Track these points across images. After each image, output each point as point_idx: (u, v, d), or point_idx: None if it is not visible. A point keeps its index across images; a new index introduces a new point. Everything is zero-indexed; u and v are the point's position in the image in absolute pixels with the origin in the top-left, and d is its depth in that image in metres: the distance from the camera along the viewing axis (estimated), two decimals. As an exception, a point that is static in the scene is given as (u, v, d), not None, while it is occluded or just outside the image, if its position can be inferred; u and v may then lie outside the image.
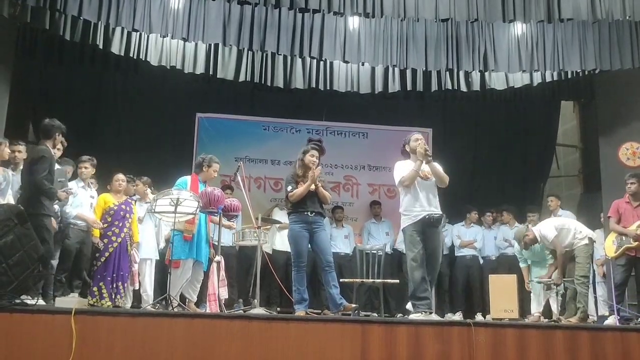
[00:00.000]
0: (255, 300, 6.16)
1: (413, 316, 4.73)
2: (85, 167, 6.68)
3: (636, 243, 6.33)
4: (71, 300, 5.24)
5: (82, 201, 6.59)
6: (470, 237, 8.97)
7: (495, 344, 3.96)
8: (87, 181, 6.75)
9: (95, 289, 6.28)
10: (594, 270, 7.10)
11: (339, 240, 8.86)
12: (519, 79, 8.94)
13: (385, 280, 6.65)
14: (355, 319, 4.32)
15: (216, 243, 6.19)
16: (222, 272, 6.65)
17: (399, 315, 7.88)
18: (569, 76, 8.80)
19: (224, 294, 6.64)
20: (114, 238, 6.49)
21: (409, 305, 5.16)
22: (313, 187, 5.60)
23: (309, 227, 5.58)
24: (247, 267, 8.02)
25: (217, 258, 6.54)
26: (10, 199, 5.82)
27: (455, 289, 8.91)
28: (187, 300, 6.23)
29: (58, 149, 5.68)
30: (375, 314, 8.07)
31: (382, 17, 7.49)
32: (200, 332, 3.60)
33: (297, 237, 5.58)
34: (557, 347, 3.97)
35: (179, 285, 5.96)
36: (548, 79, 8.92)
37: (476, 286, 8.78)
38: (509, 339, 3.95)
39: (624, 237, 6.46)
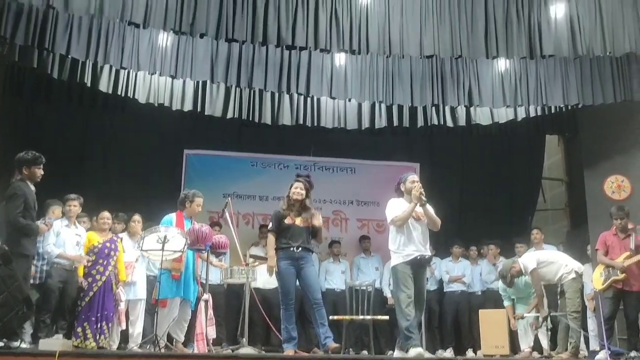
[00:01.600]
0: (244, 339, 6.07)
1: (413, 351, 4.73)
2: (74, 205, 6.59)
3: (623, 275, 6.34)
4: (55, 342, 5.11)
5: (65, 240, 6.46)
6: (459, 272, 8.93)
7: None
8: (74, 220, 6.66)
9: (79, 329, 6.16)
10: (585, 305, 7.07)
11: (335, 276, 8.80)
12: (504, 114, 9.05)
13: (375, 317, 6.57)
14: (344, 357, 4.24)
15: (204, 281, 6.11)
16: (210, 311, 6.56)
17: (390, 353, 7.77)
18: (553, 111, 8.93)
19: (212, 333, 6.53)
20: (98, 277, 6.40)
21: (396, 354, 5.13)
22: (301, 222, 5.55)
23: (295, 264, 5.52)
24: (236, 306, 7.91)
25: (205, 296, 6.47)
26: None
27: (444, 324, 8.83)
28: (174, 340, 6.12)
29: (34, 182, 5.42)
30: (366, 352, 7.95)
31: (367, 53, 7.58)
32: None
33: (284, 274, 5.51)
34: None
35: (165, 325, 5.86)
36: (532, 113, 9.03)
37: (465, 322, 8.71)
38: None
39: (611, 270, 6.46)
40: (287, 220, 5.64)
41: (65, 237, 6.47)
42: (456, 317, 8.81)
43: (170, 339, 6.08)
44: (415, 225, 5.34)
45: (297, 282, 5.58)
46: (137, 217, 7.20)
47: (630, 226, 6.70)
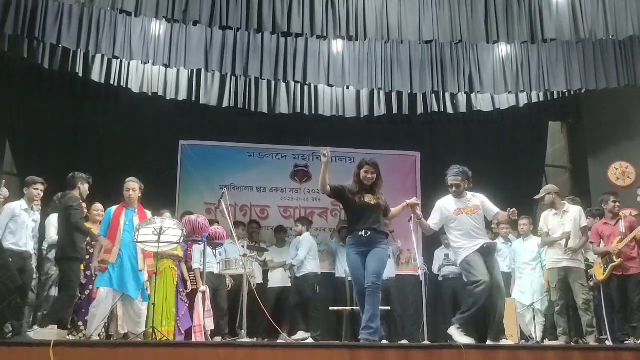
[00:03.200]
0: (243, 331, 6.13)
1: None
2: (40, 190, 6.38)
3: (619, 260, 6.41)
4: (50, 332, 5.18)
5: (22, 224, 6.24)
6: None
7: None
8: (35, 204, 6.44)
9: (80, 323, 6.23)
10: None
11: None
12: (505, 100, 9.09)
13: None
14: (343, 344, 4.31)
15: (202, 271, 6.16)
16: (208, 303, 6.63)
17: (404, 341, 7.84)
18: (556, 97, 8.97)
19: (210, 324, 6.61)
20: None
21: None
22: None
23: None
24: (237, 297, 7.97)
25: (202, 288, 6.53)
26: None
27: (444, 310, 8.87)
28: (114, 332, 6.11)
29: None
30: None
31: (365, 40, 7.62)
32: (184, 361, 3.58)
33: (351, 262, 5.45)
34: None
35: (98, 317, 5.82)
36: (534, 99, 9.07)
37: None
38: (502, 361, 3.95)
39: (608, 258, 6.54)
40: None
41: (22, 220, 6.26)
42: (455, 302, 8.82)
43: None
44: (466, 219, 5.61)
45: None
46: (167, 213, 7.20)
47: (635, 212, 6.78)
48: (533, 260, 7.46)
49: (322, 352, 3.74)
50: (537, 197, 6.97)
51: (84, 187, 5.94)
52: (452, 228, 5.58)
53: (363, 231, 5.10)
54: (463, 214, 5.55)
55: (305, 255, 8.37)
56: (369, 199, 5.20)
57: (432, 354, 3.88)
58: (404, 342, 7.69)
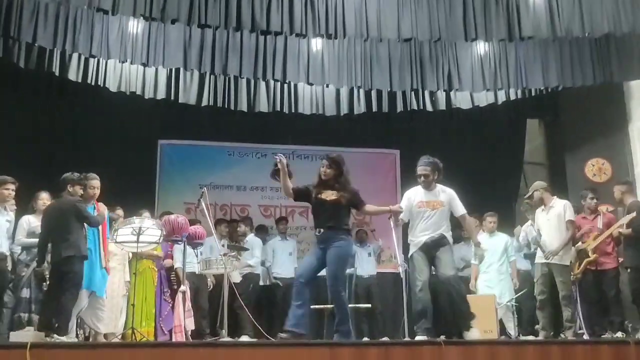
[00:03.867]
0: (224, 331, 6.13)
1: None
2: (12, 189, 6.20)
3: (594, 256, 6.51)
4: (26, 334, 5.13)
5: None
6: None
7: (468, 363, 4.01)
8: (8, 205, 6.28)
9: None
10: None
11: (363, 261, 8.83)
12: (484, 98, 9.18)
13: (357, 306, 6.66)
14: (323, 342, 4.33)
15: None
16: (188, 303, 6.61)
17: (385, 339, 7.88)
18: (533, 94, 9.07)
19: (190, 325, 6.59)
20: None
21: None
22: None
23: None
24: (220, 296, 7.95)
25: (183, 287, 6.51)
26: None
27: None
28: (92, 332, 6.06)
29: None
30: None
31: (344, 38, 7.64)
32: (164, 362, 3.57)
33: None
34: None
35: (72, 315, 5.73)
36: (512, 97, 9.18)
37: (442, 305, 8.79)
38: (480, 356, 4.00)
39: (583, 253, 6.62)
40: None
41: None
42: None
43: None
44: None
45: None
46: (119, 211, 7.14)
47: (611, 208, 6.88)
48: (500, 256, 7.52)
49: (303, 350, 3.76)
50: (526, 196, 6.99)
51: (75, 189, 5.78)
52: (413, 219, 5.50)
53: (317, 229, 5.07)
54: (426, 207, 5.46)
55: (262, 257, 8.44)
56: (326, 195, 5.10)
57: (412, 350, 3.91)
58: (385, 339, 7.73)
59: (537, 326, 6.66)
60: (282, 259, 8.69)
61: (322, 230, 5.03)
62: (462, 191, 10.32)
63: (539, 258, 6.60)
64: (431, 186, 5.54)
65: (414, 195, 5.56)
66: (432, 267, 5.46)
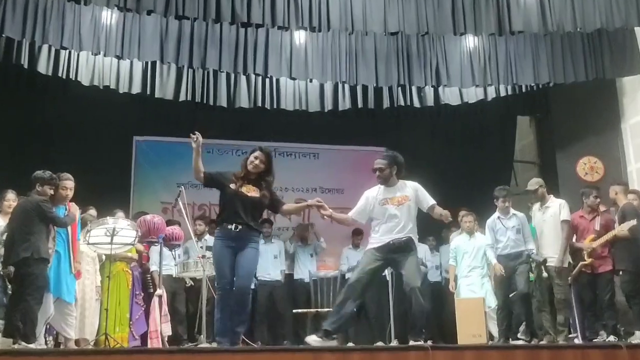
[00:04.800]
0: (202, 336, 6.12)
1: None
2: None
3: (590, 260, 6.56)
4: (-5, 341, 5.08)
5: None
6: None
7: (455, 368, 4.04)
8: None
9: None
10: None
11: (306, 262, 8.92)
12: (473, 94, 9.24)
13: (319, 310, 6.65)
14: (306, 347, 4.33)
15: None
16: (165, 307, 6.61)
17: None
18: (524, 90, 9.15)
19: (167, 330, 6.60)
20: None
21: None
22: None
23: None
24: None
25: (159, 291, 6.50)
26: None
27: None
28: (64, 339, 6.02)
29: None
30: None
31: (329, 31, 7.65)
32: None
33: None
34: (518, 368, 4.08)
35: (40, 322, 5.72)
36: (503, 93, 9.25)
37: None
38: (469, 361, 4.03)
39: (578, 255, 6.66)
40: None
41: None
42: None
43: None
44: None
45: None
46: (92, 211, 7.08)
47: (602, 208, 6.93)
48: (481, 258, 7.46)
49: (285, 356, 3.76)
50: (530, 188, 6.92)
51: (44, 189, 5.67)
52: (374, 219, 5.30)
53: (233, 225, 4.89)
54: (389, 204, 5.26)
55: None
56: (247, 189, 4.99)
57: (398, 355, 3.93)
58: (379, 344, 7.79)
59: (520, 327, 6.68)
60: (267, 262, 8.72)
61: (238, 227, 4.88)
62: (449, 190, 10.49)
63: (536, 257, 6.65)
64: (390, 181, 5.35)
65: (375, 193, 5.39)
66: (384, 272, 5.44)
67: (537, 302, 6.56)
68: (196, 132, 5.01)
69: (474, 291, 7.42)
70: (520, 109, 10.35)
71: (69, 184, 6.05)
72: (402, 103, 9.15)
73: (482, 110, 9.88)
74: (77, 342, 6.24)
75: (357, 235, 8.93)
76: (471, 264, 7.53)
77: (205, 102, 8.72)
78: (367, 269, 5.14)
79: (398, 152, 10.51)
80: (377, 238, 5.24)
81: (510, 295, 6.58)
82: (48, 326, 6.08)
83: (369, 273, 5.13)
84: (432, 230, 9.22)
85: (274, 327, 8.65)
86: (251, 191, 4.97)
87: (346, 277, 8.51)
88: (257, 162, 5.03)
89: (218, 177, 5.13)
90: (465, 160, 10.54)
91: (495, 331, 7.33)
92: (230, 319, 4.73)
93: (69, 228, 5.93)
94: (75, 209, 6.08)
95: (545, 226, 6.64)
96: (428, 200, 5.34)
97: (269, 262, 8.71)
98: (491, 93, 9.25)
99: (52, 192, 5.77)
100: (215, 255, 5.00)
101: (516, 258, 6.54)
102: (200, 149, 5.04)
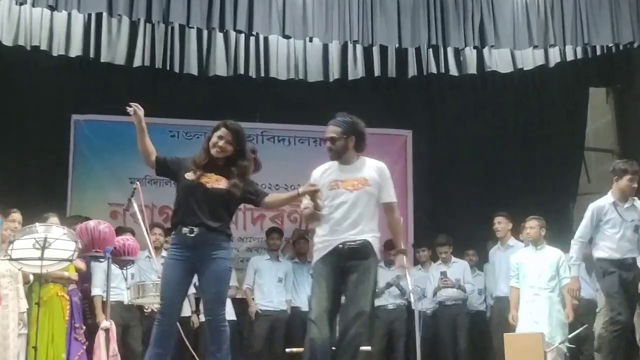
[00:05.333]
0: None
1: None
2: None
3: None
4: None
5: None
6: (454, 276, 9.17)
7: None
8: None
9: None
10: None
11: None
12: (530, 59, 9.24)
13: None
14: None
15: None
16: (114, 345, 6.63)
17: None
18: (599, 53, 9.13)
19: (117, 376, 6.62)
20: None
21: None
22: None
23: None
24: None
25: (105, 323, 6.53)
26: None
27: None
28: None
29: None
30: None
31: (335, -28, 7.68)
32: None
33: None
34: None
35: None
36: (570, 57, 9.22)
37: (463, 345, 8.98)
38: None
39: None
40: None
41: None
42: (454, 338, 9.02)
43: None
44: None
45: None
46: (15, 215, 7.09)
47: None
48: (551, 278, 7.59)
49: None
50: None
51: None
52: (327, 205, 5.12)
53: (189, 228, 4.85)
54: (341, 187, 5.11)
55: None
56: (209, 179, 4.96)
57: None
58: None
59: None
60: (269, 286, 8.84)
61: (194, 229, 4.85)
62: (496, 188, 10.54)
63: None
64: (345, 157, 5.21)
65: (325, 172, 5.24)
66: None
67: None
68: (132, 104, 5.04)
69: (538, 322, 7.46)
70: (593, 79, 10.34)
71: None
72: (433, 70, 9.14)
73: (542, 80, 9.87)
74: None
75: (389, 249, 9.01)
76: (536, 285, 7.58)
77: (168, 68, 8.73)
78: (325, 297, 4.96)
79: (428, 135, 10.64)
80: (322, 239, 5.08)
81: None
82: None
83: (331, 299, 4.97)
84: (473, 241, 9.27)
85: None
86: (214, 181, 4.95)
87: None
88: (222, 143, 5.00)
89: (174, 163, 5.15)
90: (518, 147, 10.54)
91: None
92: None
93: None
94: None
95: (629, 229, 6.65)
96: (387, 194, 5.22)
97: (272, 286, 8.82)
98: (554, 57, 9.24)
99: None
100: (165, 270, 4.98)
101: (632, 267, 6.51)
102: (144, 125, 5.06)
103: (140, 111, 5.00)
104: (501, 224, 8.67)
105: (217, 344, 4.86)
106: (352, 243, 5.00)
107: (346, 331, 4.94)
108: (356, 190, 5.07)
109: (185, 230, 4.85)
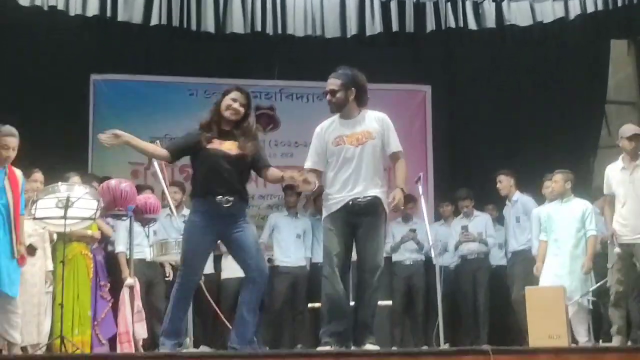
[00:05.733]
0: (188, 339, 6.24)
1: None
2: None
3: None
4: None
5: None
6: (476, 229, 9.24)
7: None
8: None
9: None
10: None
11: None
12: (550, 11, 9.14)
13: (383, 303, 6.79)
14: (325, 352, 4.42)
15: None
16: (138, 302, 6.71)
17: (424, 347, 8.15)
18: (620, 4, 9.03)
19: (142, 332, 6.71)
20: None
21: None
22: None
23: None
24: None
25: (129, 281, 6.61)
26: None
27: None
28: (6, 344, 6.16)
29: None
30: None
31: None
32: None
33: None
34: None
35: None
36: (590, 9, 9.12)
37: (482, 301, 9.07)
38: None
39: None
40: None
41: None
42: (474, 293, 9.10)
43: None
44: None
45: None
46: (37, 175, 7.15)
47: None
48: (577, 230, 7.61)
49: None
50: (626, 136, 6.85)
51: None
52: (328, 166, 5.19)
53: (224, 198, 4.87)
54: (346, 143, 5.13)
55: None
56: (228, 146, 4.96)
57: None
58: (424, 348, 7.93)
59: (611, 329, 6.79)
60: (287, 242, 8.96)
61: (230, 199, 4.88)
62: (517, 143, 10.51)
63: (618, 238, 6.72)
64: (346, 110, 5.24)
65: (328, 129, 5.24)
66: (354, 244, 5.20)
67: (614, 292, 6.71)
68: (100, 135, 5.00)
69: (560, 275, 7.48)
70: (614, 31, 10.21)
71: (11, 141, 6.03)
72: (452, 24, 9.06)
73: (562, 33, 9.76)
74: (23, 348, 6.41)
75: (407, 202, 9.05)
76: (560, 238, 7.60)
77: (185, 26, 8.70)
78: (340, 251, 5.05)
79: (446, 91, 10.60)
80: (332, 196, 5.10)
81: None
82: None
83: (342, 255, 5.05)
84: (494, 196, 9.27)
85: (280, 327, 8.84)
86: (232, 147, 4.97)
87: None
88: (236, 105, 5.02)
89: (183, 143, 5.16)
90: (538, 101, 10.48)
91: (582, 334, 7.39)
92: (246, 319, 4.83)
93: (10, 199, 5.98)
94: (19, 174, 6.10)
95: (633, 190, 6.68)
96: (392, 144, 5.23)
97: (290, 243, 8.90)
98: (574, 9, 9.13)
99: None
100: (190, 238, 5.00)
101: None
102: (133, 142, 5.08)
103: (117, 138, 4.93)
104: (502, 182, 8.72)
105: (259, 301, 4.95)
106: (362, 199, 5.05)
107: (363, 287, 5.05)
108: (361, 145, 5.10)
109: (220, 199, 4.86)
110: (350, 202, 5.03)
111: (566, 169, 7.94)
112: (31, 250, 6.37)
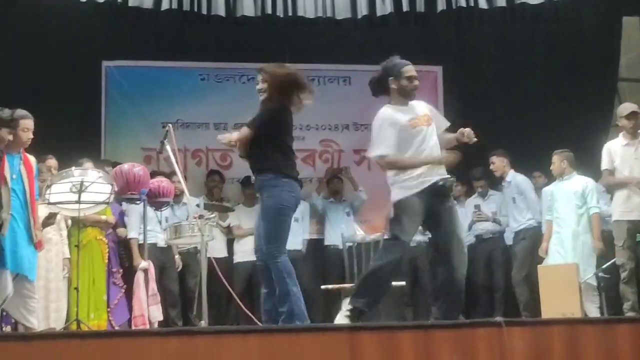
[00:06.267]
0: (203, 322, 6.27)
1: None
2: None
3: None
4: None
5: None
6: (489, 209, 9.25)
7: (539, 350, 4.11)
8: None
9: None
10: None
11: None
12: (561, -12, 9.11)
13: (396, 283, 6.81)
14: (340, 326, 4.45)
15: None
16: (153, 285, 6.74)
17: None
18: (632, -20, 9.00)
19: (158, 314, 6.75)
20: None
21: None
22: None
23: None
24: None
25: (144, 264, 6.64)
26: None
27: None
28: (24, 329, 6.21)
29: None
30: None
31: None
32: (124, 356, 3.69)
33: None
34: (623, 347, 4.15)
35: None
36: (602, -15, 9.09)
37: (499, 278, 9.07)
38: (556, 340, 4.10)
39: None
40: None
41: None
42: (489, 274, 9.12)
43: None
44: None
45: None
46: (51, 161, 7.20)
47: None
48: (578, 207, 7.64)
49: (308, 337, 3.84)
50: (624, 115, 6.92)
51: (1, 135, 5.69)
52: (411, 147, 5.14)
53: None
54: (420, 125, 5.16)
55: None
56: None
57: (461, 334, 4.01)
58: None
59: (625, 306, 6.80)
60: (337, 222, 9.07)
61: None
62: (528, 121, 10.47)
63: (620, 214, 6.77)
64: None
65: (395, 114, 5.24)
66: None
67: (627, 269, 6.72)
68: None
69: (563, 254, 7.49)
70: (626, 8, 10.18)
71: (29, 123, 6.04)
72: (462, 4, 9.04)
73: (574, 11, 9.74)
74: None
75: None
76: (561, 216, 7.60)
77: (196, 10, 8.72)
78: (414, 230, 5.21)
79: (457, 71, 10.56)
80: (414, 177, 5.09)
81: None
82: (4, 313, 6.29)
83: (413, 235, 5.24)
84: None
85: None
86: None
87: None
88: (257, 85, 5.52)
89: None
90: (550, 80, 10.44)
91: (593, 312, 7.40)
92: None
93: (26, 185, 6.02)
94: (33, 160, 6.11)
95: (637, 167, 6.68)
96: (443, 120, 5.47)
97: (338, 221, 9.07)
98: (586, -14, 9.12)
99: (10, 137, 5.76)
100: (275, 215, 5.18)
101: None
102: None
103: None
104: (495, 163, 8.71)
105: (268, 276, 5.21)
106: (445, 180, 5.18)
107: (457, 268, 5.09)
108: (429, 126, 5.20)
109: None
110: (441, 182, 5.16)
111: (574, 147, 7.97)
112: (52, 216, 6.42)
